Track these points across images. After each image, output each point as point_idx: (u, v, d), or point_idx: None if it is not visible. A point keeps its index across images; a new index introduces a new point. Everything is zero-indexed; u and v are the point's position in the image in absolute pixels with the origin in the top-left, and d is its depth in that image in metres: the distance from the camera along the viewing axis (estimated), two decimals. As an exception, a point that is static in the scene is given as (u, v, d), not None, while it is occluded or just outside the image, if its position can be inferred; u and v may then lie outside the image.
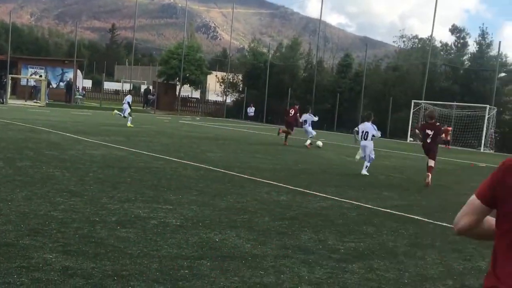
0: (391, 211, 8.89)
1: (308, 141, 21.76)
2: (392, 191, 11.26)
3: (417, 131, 14.85)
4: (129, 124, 24.67)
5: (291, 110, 23.05)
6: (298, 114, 22.73)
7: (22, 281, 4.28)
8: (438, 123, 14.11)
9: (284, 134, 22.39)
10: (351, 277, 5.19)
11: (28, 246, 5.18)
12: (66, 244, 5.36)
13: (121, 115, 26.58)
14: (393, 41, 47.52)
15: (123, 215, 6.85)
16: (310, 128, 22.34)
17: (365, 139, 14.17)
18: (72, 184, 8.71)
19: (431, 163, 12.99)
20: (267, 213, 7.78)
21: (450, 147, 16.09)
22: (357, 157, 14.59)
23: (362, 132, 14.32)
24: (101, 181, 9.26)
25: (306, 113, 22.68)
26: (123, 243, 5.58)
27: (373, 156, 14.30)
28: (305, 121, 22.33)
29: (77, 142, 15.38)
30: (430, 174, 12.72)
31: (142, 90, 62.10)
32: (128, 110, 26.01)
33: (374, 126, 14.40)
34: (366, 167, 13.95)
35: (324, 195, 9.92)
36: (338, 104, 41.77)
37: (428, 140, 13.20)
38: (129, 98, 27.49)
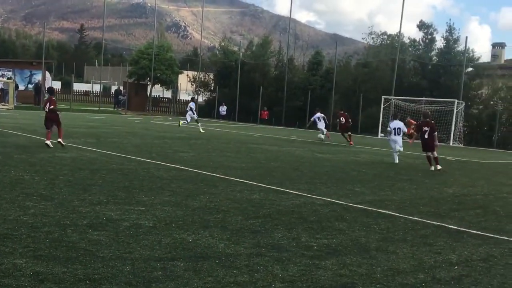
0: (363, 207, 8.97)
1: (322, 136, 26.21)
2: (364, 187, 11.36)
3: (414, 133, 17.53)
4: (201, 130, 26.03)
5: (341, 118, 25.16)
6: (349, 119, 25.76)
7: (-9, 288, 4.22)
8: (432, 121, 16.56)
9: (348, 136, 25.07)
10: (324, 273, 5.22)
11: (-2, 252, 5.10)
12: (36, 249, 5.29)
13: (186, 123, 27.87)
14: (362, 38, 47.95)
15: (94, 218, 6.79)
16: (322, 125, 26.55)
17: (398, 134, 17.36)
18: (42, 187, 8.60)
19: (435, 154, 15.63)
20: (240, 212, 7.79)
21: (411, 141, 16.77)
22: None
23: (395, 128, 17.47)
24: (72, 184, 9.16)
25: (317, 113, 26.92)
26: (95, 246, 5.54)
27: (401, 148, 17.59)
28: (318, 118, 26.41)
29: (44, 145, 15.16)
30: (438, 164, 15.45)
31: (113, 90, 61.59)
32: (195, 117, 27.64)
33: (402, 123, 18.24)
34: (397, 157, 17.12)
35: (297, 192, 9.96)
36: (309, 101, 41.94)
37: (426, 136, 15.57)
38: (192, 104, 28.53)
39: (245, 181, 10.94)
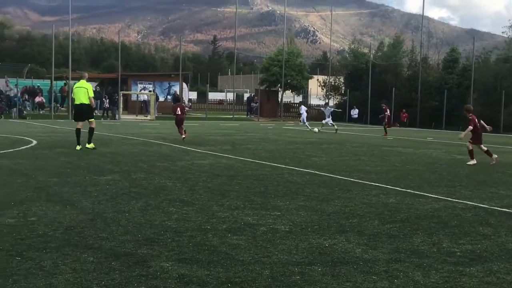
0: (510, 211, 8.44)
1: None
2: (510, 189, 10.69)
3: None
4: (316, 129, 29.35)
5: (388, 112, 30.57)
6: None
7: (142, 288, 4.48)
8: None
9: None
10: (469, 281, 4.98)
11: (146, 255, 5.41)
12: (181, 252, 5.55)
13: (313, 129, 30.24)
14: (502, 32, 45.35)
15: (233, 223, 6.99)
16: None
17: None
18: (183, 194, 9.01)
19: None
20: (377, 217, 7.65)
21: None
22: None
23: None
24: (211, 190, 9.51)
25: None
26: (235, 250, 5.70)
27: None
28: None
29: (186, 153, 15.90)
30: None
31: (245, 98, 63.20)
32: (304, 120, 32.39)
33: None
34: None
35: (436, 196, 9.60)
36: (445, 101, 40.29)
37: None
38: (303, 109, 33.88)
39: (380, 184, 10.73)
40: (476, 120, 15.69)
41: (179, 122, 20.94)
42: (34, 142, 17.90)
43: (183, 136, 20.33)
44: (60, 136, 20.94)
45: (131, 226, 6.63)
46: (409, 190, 10.12)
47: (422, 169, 13.91)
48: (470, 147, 15.49)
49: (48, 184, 9.49)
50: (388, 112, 30.45)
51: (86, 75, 17.03)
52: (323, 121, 31.55)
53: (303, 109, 35.78)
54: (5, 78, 48.97)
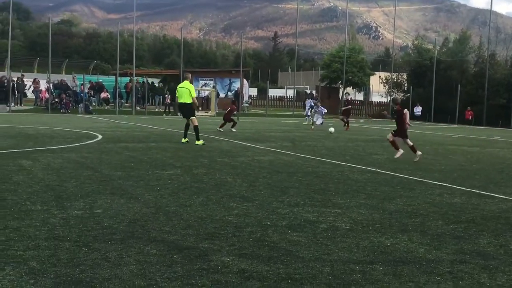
0: None
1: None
2: None
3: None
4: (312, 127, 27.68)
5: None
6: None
7: (203, 282, 4.54)
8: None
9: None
10: (538, 285, 4.79)
11: (207, 249, 5.48)
12: (241, 248, 5.59)
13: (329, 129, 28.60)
14: None
15: (293, 219, 6.98)
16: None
17: None
18: (243, 189, 9.07)
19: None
20: (440, 216, 7.48)
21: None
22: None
23: None
24: (271, 186, 9.52)
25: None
26: (295, 247, 5.69)
27: None
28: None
29: (246, 149, 15.99)
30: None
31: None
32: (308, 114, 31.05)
33: None
34: None
35: (503, 196, 9.29)
36: (514, 98, 38.97)
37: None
38: (310, 102, 31.46)
39: (445, 184, 10.48)
40: (405, 112, 15.23)
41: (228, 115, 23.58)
42: (100, 136, 18.41)
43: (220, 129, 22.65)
44: (125, 131, 21.46)
45: (192, 220, 6.73)
46: (474, 190, 9.84)
47: (488, 168, 13.50)
48: (391, 139, 15.08)
49: (112, 178, 9.74)
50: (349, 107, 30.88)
51: (189, 75, 17.92)
52: (317, 122, 28.15)
53: (308, 103, 33.80)
54: (72, 74, 50.55)
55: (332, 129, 24.30)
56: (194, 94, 17.06)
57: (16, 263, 4.83)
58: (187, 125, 17.18)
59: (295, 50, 57.53)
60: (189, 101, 16.91)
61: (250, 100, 57.79)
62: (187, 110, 17.20)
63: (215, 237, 5.95)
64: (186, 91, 16.89)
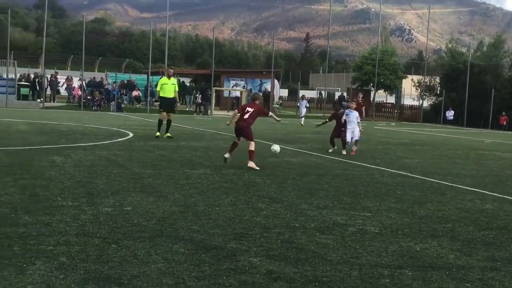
0: None
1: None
2: None
3: None
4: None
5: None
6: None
7: (230, 282, 4.55)
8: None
9: None
10: None
11: (235, 250, 5.49)
12: (269, 249, 5.58)
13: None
14: None
15: (321, 222, 6.95)
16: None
17: None
18: (272, 190, 9.06)
19: None
20: (471, 222, 7.36)
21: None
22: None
23: None
24: (300, 187, 9.50)
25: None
26: (323, 249, 5.66)
27: None
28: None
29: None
30: None
31: (336, 97, 62.67)
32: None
33: None
34: None
35: (536, 204, 9.11)
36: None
37: None
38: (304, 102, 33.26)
39: (476, 189, 10.31)
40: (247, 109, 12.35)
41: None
42: (130, 134, 18.60)
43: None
44: (155, 130, 21.62)
45: (221, 220, 6.74)
46: (507, 197, 9.66)
47: (522, 175, 13.23)
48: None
49: (142, 176, 9.83)
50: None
51: (171, 71, 18.93)
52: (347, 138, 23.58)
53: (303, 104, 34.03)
54: (105, 72, 51.16)
55: (276, 148, 13.49)
56: (177, 89, 18.50)
57: (46, 257, 4.91)
58: (163, 120, 18.08)
59: (327, 52, 57.28)
60: (173, 95, 18.18)
61: (281, 101, 57.70)
62: (171, 104, 18.52)
63: (243, 238, 5.96)
64: (172, 86, 18.07)
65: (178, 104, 21.34)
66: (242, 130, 12.00)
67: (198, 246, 5.53)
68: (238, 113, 12.31)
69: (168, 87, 18.08)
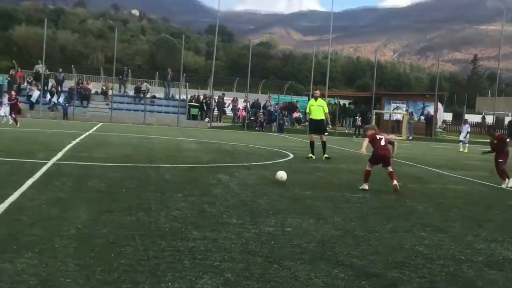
0: None
1: None
2: None
3: None
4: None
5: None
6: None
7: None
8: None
9: None
10: None
11: (396, 279, 5.35)
12: (432, 281, 5.37)
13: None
14: None
15: (490, 256, 6.55)
16: None
17: None
18: (435, 219, 8.71)
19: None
20: None
21: None
22: None
23: None
24: (465, 218, 9.03)
25: None
26: (492, 286, 5.33)
27: None
28: None
29: (438, 176, 15.36)
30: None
31: (506, 122, 58.84)
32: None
33: None
34: None
35: None
36: None
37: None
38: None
39: None
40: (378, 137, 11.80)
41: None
42: (291, 155, 18.96)
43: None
44: (316, 153, 21.82)
45: (381, 246, 6.62)
46: None
47: None
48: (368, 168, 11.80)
49: (302, 197, 9.96)
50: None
51: (319, 92, 19.25)
52: None
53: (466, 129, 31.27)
54: (267, 93, 52.82)
55: (282, 175, 11.82)
56: (327, 110, 18.57)
57: (213, 273, 5.15)
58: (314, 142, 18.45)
59: (496, 74, 54.08)
60: (322, 117, 18.33)
61: (444, 125, 55.47)
62: (320, 126, 18.60)
63: (405, 267, 5.79)
64: (319, 108, 18.25)
65: (330, 126, 21.10)
66: (386, 157, 11.74)
67: (358, 273, 5.47)
68: (369, 142, 12.05)
69: (315, 108, 18.31)
